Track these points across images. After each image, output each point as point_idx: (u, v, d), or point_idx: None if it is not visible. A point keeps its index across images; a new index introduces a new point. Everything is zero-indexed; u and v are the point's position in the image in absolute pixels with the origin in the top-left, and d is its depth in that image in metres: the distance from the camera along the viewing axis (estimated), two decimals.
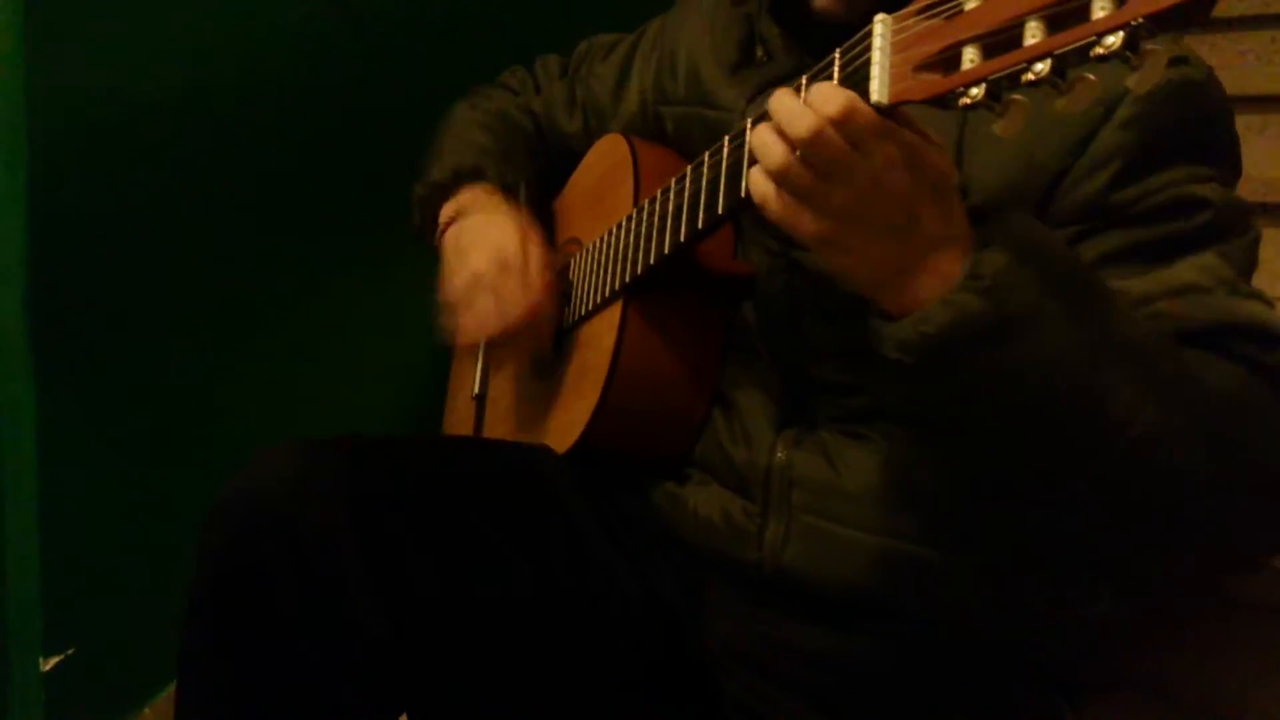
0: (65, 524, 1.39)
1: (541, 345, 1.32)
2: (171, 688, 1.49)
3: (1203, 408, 0.88)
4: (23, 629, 1.38)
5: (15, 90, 1.27)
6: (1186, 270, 0.95)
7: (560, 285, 1.38)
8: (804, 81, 0.85)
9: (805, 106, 0.79)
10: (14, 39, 1.25)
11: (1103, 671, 1.18)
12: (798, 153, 0.80)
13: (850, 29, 0.82)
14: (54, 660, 1.40)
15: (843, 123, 0.77)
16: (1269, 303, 0.96)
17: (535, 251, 1.28)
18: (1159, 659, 1.50)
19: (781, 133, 0.81)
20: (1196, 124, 0.99)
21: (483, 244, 1.28)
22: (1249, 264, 0.99)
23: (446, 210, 1.38)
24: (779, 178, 0.82)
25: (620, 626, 1.12)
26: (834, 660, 1.08)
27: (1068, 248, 0.89)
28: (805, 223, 0.82)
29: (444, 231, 1.37)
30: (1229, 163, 1.02)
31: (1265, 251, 1.05)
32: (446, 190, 1.39)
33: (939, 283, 0.83)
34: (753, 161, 0.84)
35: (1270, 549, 1.03)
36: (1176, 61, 0.96)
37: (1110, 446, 0.86)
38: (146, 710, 1.52)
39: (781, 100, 0.81)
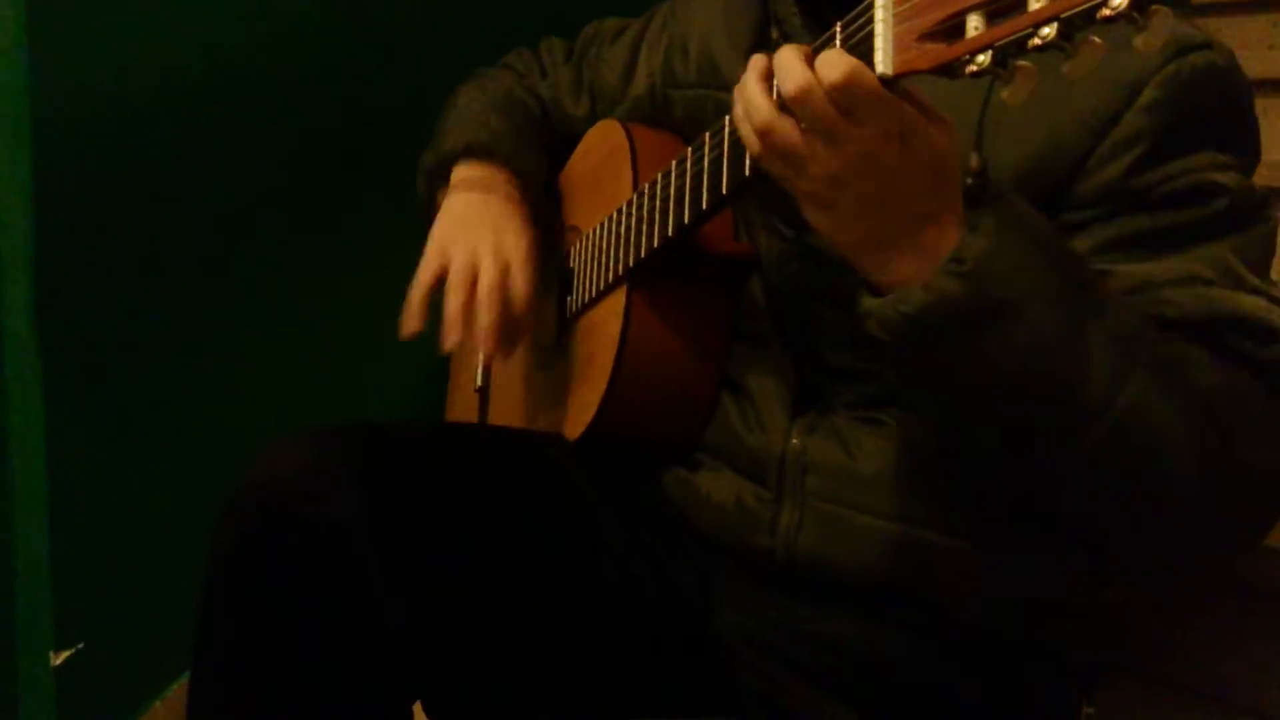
0: (75, 519, 1.39)
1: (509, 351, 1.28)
2: (182, 682, 1.51)
3: (1187, 397, 0.89)
4: (33, 624, 1.39)
5: (19, 87, 1.27)
6: (1193, 260, 0.95)
7: (562, 275, 1.38)
8: (809, 51, 0.84)
9: (801, 63, 0.79)
10: (17, 35, 1.26)
11: (1116, 659, 1.18)
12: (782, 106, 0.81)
13: None
14: (64, 655, 1.40)
15: (844, 89, 0.76)
16: (1276, 299, 0.96)
17: (525, 274, 1.25)
18: (1172, 647, 1.49)
19: (771, 86, 0.82)
20: (1220, 109, 0.98)
21: (473, 239, 1.26)
22: (1265, 254, 0.98)
23: (456, 175, 1.36)
24: (762, 131, 0.83)
25: (635, 614, 1.12)
26: (849, 647, 1.08)
27: (1058, 233, 0.90)
28: (798, 181, 0.83)
29: (446, 194, 1.36)
30: (1251, 150, 1.01)
31: (1278, 240, 1.04)
32: (456, 162, 1.38)
33: (923, 261, 0.82)
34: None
35: (1249, 544, 1.03)
36: (1200, 47, 0.95)
37: (1090, 431, 0.86)
38: (158, 704, 1.52)
39: (782, 54, 0.81)
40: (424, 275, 1.24)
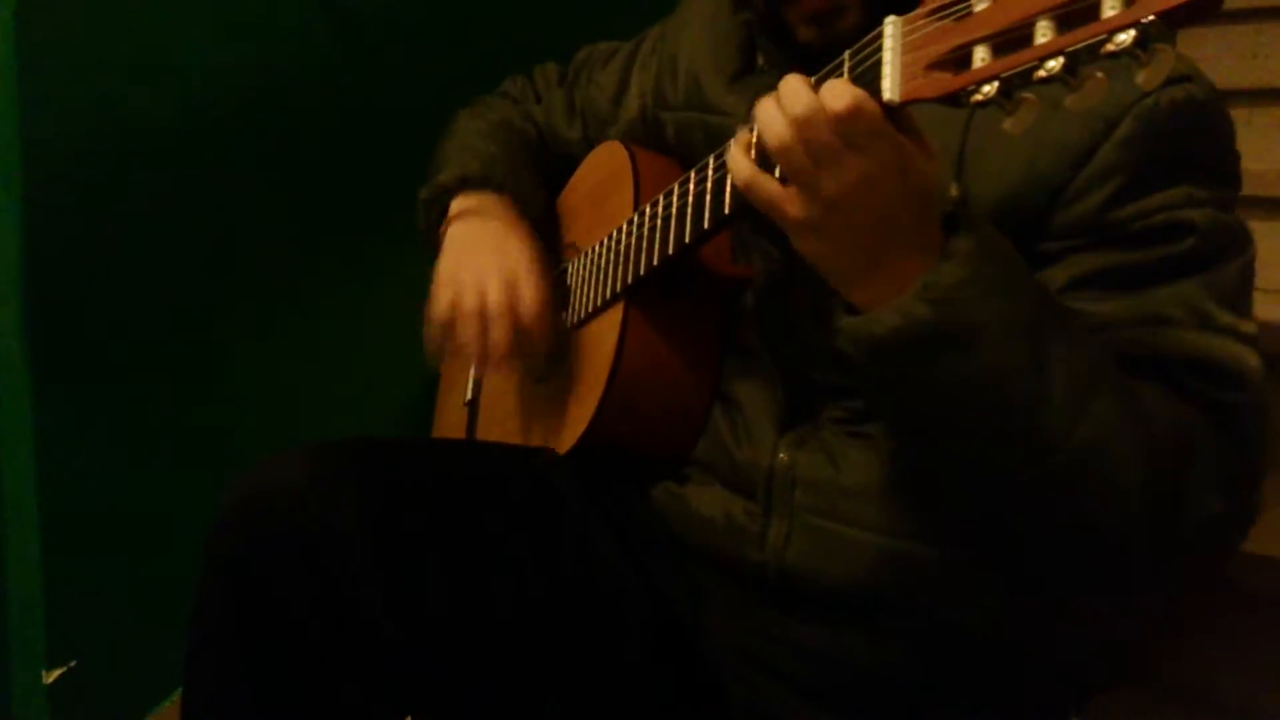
0: (67, 535, 1.39)
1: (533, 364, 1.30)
2: (174, 698, 1.50)
3: (1144, 438, 0.90)
4: (25, 641, 1.38)
5: (9, 100, 1.27)
6: (1161, 299, 0.96)
7: (559, 290, 1.37)
8: (812, 82, 0.85)
9: (807, 89, 0.81)
10: (6, 49, 1.25)
11: (1109, 669, 1.18)
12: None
13: (830, 56, 0.85)
14: (56, 673, 1.40)
15: (847, 119, 0.78)
16: (1245, 337, 0.96)
17: (531, 283, 1.25)
18: (1166, 656, 1.50)
19: (782, 108, 0.82)
20: (1197, 143, 0.98)
21: (478, 264, 1.26)
22: (1239, 288, 0.99)
23: (454, 208, 1.36)
24: (778, 152, 0.83)
25: (626, 627, 1.12)
26: (840, 659, 1.08)
27: (1027, 268, 0.92)
28: (793, 205, 0.84)
29: (447, 227, 1.36)
30: (1229, 182, 1.01)
31: (1259, 246, 1.04)
32: (452, 194, 1.38)
33: (901, 285, 0.85)
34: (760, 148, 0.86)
35: (1189, 583, 1.07)
36: (1180, 80, 0.96)
37: (1043, 463, 0.89)
38: None
39: (789, 81, 0.83)
40: (438, 309, 1.24)
